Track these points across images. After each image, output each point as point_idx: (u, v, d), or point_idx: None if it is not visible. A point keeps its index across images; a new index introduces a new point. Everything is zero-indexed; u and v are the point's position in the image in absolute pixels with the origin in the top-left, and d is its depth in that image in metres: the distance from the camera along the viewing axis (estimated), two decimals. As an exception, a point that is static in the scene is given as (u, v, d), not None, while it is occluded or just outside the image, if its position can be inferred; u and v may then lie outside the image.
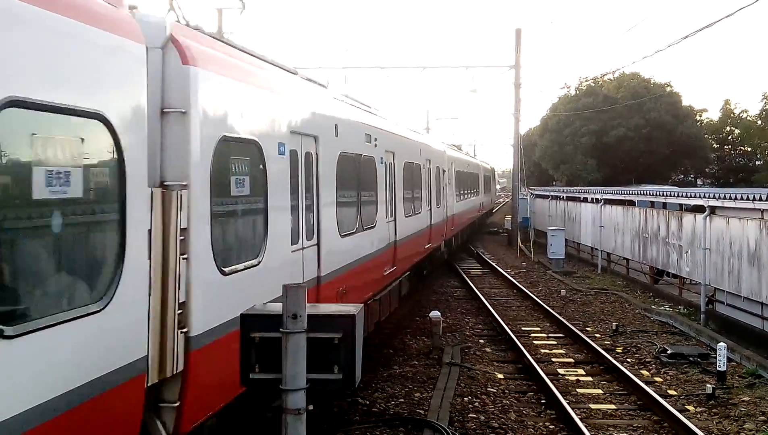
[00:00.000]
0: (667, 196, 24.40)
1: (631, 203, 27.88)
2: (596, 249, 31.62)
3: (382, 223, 14.45)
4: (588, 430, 10.89)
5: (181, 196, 6.03)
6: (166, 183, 6.12)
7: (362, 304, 5.97)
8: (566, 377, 14.36)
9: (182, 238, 6.06)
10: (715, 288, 19.45)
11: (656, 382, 14.02)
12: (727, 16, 21.04)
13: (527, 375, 14.40)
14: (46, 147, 4.63)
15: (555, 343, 17.40)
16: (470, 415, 11.82)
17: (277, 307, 5.45)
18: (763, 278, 16.54)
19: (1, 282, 4.37)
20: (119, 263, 5.31)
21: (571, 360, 15.76)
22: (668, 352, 15.75)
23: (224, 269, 6.79)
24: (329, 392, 10.74)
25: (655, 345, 16.68)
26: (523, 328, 18.77)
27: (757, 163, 57.73)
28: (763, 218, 17.01)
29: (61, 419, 4.67)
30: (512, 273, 29.66)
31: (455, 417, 11.62)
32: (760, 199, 16.91)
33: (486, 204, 53.00)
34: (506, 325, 18.48)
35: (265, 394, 7.97)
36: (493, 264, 32.46)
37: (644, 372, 14.71)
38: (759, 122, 55.53)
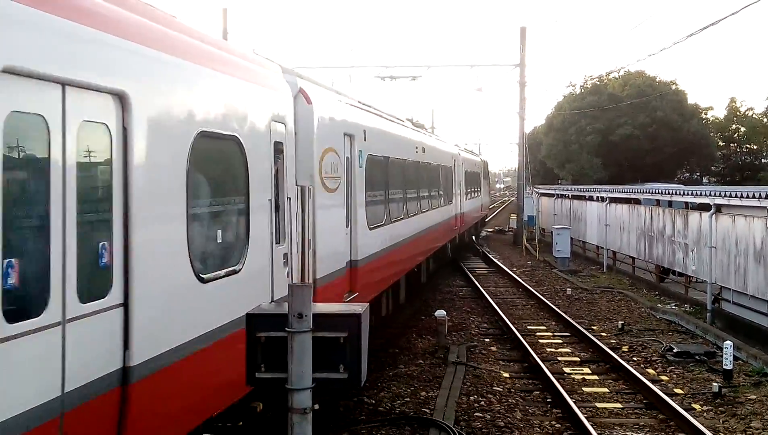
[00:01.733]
0: (672, 194, 24.35)
1: (637, 202, 27.83)
2: (602, 247, 31.58)
3: None
4: (594, 429, 10.88)
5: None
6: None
7: (368, 304, 5.97)
8: (572, 376, 14.35)
9: None
10: (721, 286, 19.40)
11: (662, 380, 14.00)
12: (732, 14, 21.02)
13: (533, 374, 14.39)
14: None
15: (561, 341, 17.38)
16: (476, 414, 11.82)
17: (282, 307, 5.47)
18: (770, 276, 16.50)
19: None
20: None
21: (577, 359, 15.74)
22: (674, 350, 15.72)
23: None
24: (335, 391, 10.75)
25: (661, 343, 16.65)
26: (528, 327, 18.75)
27: (763, 160, 57.67)
28: (769, 216, 16.97)
29: None
30: (517, 272, 29.63)
31: (461, 416, 11.62)
32: (767, 198, 16.86)
33: (470, 214, 34.01)
34: (512, 323, 18.47)
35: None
36: (499, 263, 32.44)
37: (650, 371, 14.69)
38: (765, 120, 55.46)
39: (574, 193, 38.21)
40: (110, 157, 5.33)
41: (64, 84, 4.79)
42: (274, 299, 8.06)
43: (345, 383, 5.50)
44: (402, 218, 16.53)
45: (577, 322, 18.82)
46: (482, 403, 12.44)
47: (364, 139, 13.01)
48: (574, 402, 12.16)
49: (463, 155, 32.57)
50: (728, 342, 14.05)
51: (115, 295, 5.32)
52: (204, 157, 6.71)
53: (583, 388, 13.52)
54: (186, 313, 6.23)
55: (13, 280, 4.40)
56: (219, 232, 7.17)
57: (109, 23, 5.43)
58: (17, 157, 4.60)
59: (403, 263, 16.99)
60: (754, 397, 12.71)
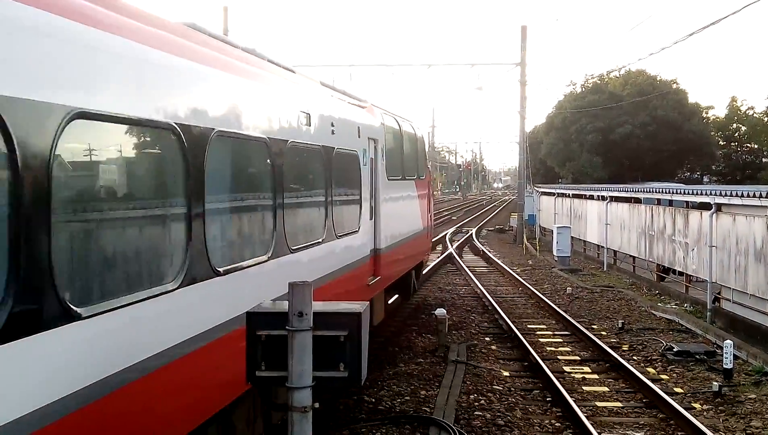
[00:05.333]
0: (673, 193, 24.35)
1: (637, 201, 27.84)
2: (602, 246, 31.58)
3: None
4: (594, 427, 10.88)
5: None
6: None
7: (368, 303, 5.97)
8: (572, 375, 14.35)
9: None
10: (722, 285, 19.41)
11: (662, 379, 14.00)
12: (733, 13, 21.01)
13: (533, 373, 14.39)
14: None
15: (561, 340, 17.37)
16: (476, 412, 11.82)
17: (283, 305, 5.46)
18: (770, 276, 16.50)
19: None
20: None
21: (577, 358, 15.74)
22: (674, 349, 15.71)
23: None
24: (335, 390, 10.76)
25: (662, 343, 16.64)
26: (528, 326, 18.75)
27: (764, 160, 57.64)
28: (769, 215, 16.97)
29: None
30: (518, 271, 29.62)
31: (461, 415, 11.62)
32: (767, 197, 16.86)
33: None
34: (512, 322, 18.46)
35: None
36: (499, 262, 32.42)
37: (650, 369, 14.69)
38: (765, 119, 55.43)
39: (575, 192, 38.22)
40: None
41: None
42: None
43: (345, 382, 5.51)
44: None
45: (577, 321, 18.82)
46: (482, 401, 12.44)
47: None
48: (574, 401, 12.16)
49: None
50: (728, 341, 14.04)
51: None
52: None
53: (583, 387, 13.52)
54: None
55: None
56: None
57: None
58: None
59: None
60: (754, 396, 12.71)
